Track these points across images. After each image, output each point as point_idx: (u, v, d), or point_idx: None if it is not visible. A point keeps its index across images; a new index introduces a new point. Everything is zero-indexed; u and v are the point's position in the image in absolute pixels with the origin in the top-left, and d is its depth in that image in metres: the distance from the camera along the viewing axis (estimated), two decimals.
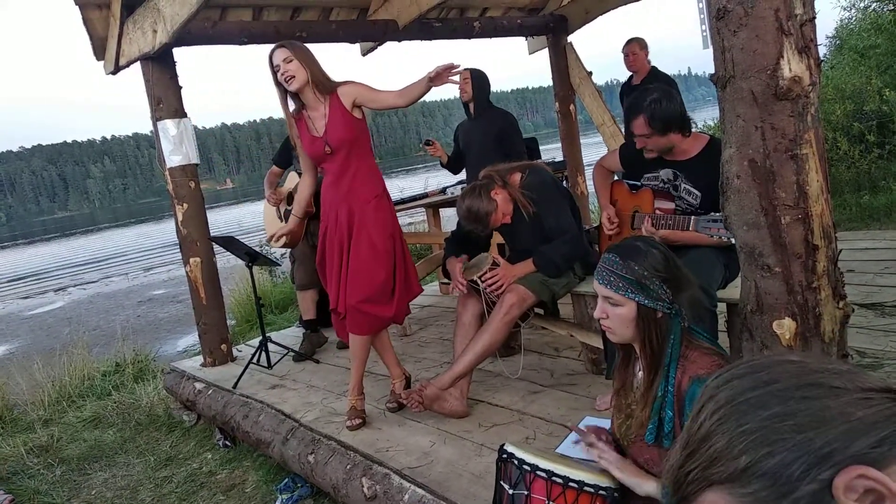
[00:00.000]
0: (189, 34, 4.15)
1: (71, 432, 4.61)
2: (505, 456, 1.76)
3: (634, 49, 5.35)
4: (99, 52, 4.64)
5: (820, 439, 0.55)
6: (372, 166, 3.12)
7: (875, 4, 10.76)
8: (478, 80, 4.48)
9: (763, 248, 1.48)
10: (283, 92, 2.99)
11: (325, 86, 2.99)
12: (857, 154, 7.37)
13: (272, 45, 2.98)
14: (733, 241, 2.42)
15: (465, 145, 4.70)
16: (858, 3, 11.17)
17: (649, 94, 2.67)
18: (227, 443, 3.95)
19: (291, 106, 3.08)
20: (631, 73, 5.48)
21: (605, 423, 2.13)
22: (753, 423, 0.58)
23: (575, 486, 1.63)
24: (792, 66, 1.39)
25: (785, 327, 1.48)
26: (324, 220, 3.13)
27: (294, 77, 2.91)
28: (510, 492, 1.71)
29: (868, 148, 7.41)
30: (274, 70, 2.94)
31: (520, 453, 1.72)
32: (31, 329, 10.33)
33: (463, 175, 5.08)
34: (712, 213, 2.50)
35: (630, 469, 1.65)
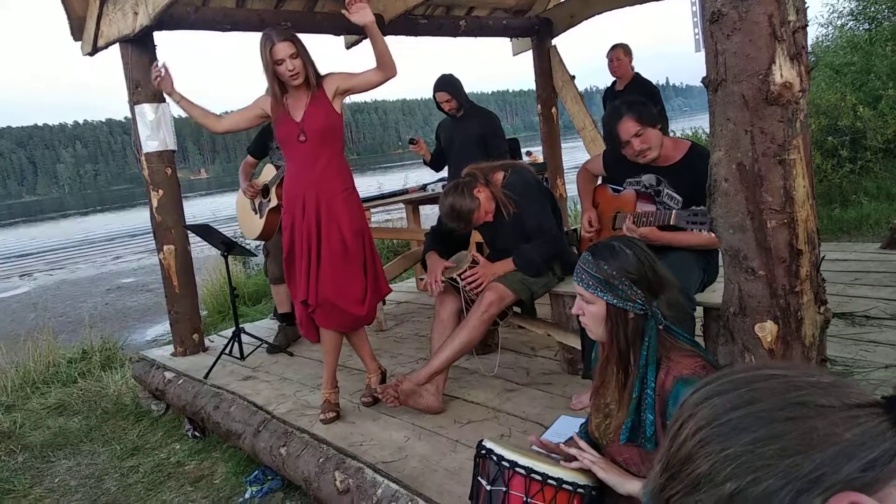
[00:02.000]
0: (171, 18, 4.08)
1: (34, 419, 4.51)
2: (483, 452, 1.75)
3: (619, 55, 5.38)
4: (77, 33, 4.54)
5: (808, 464, 0.53)
6: (343, 161, 3.07)
7: (851, 23, 10.99)
8: (455, 92, 4.48)
9: (748, 251, 1.49)
10: (273, 77, 2.90)
11: (315, 83, 2.95)
12: (830, 168, 7.53)
13: (270, 32, 2.86)
14: (713, 234, 2.47)
15: (447, 144, 4.70)
16: (835, 20, 11.39)
17: (623, 100, 2.76)
18: (196, 433, 3.89)
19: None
20: (614, 79, 5.52)
21: (580, 423, 2.14)
22: (737, 448, 0.55)
23: (553, 483, 1.63)
24: (783, 71, 1.41)
25: (767, 330, 1.49)
26: (289, 212, 3.04)
27: (299, 74, 2.87)
28: (488, 488, 1.70)
29: (840, 162, 7.57)
30: (274, 60, 2.83)
31: (499, 449, 1.71)
32: None
33: (443, 173, 5.07)
34: (693, 207, 2.53)
35: (612, 469, 1.66)
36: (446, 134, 4.70)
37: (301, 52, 2.87)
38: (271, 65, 2.85)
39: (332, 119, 2.96)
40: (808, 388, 0.57)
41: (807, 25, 1.44)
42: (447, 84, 4.49)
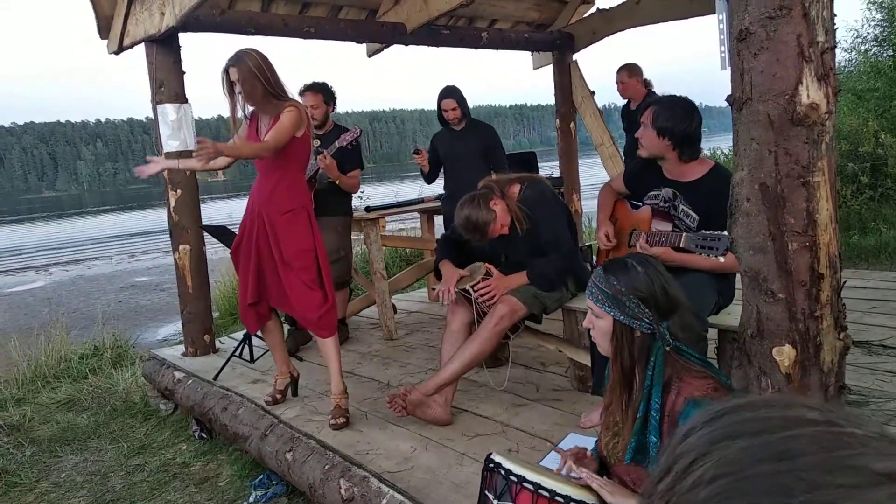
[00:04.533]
0: (196, 20, 4.12)
1: (44, 413, 4.52)
2: (492, 465, 1.73)
3: (622, 77, 5.39)
4: (104, 31, 4.60)
5: None
6: (295, 181, 3.19)
7: (875, 49, 10.91)
8: (461, 101, 4.55)
9: (768, 273, 1.47)
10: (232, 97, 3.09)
11: (266, 107, 3.07)
12: (849, 194, 7.45)
13: (231, 56, 3.03)
14: (721, 259, 2.45)
15: (446, 157, 4.73)
16: (859, 46, 11.31)
17: (676, 97, 2.73)
18: (202, 434, 3.89)
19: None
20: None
21: (589, 441, 2.11)
22: None
23: (561, 500, 1.61)
24: (810, 92, 1.39)
25: (784, 354, 1.46)
26: (245, 217, 3.25)
27: (246, 98, 3.04)
28: (495, 502, 1.68)
29: (860, 189, 7.49)
30: (230, 80, 3.02)
31: (507, 463, 1.70)
32: (10, 306, 10.17)
33: (437, 186, 5.10)
34: (703, 231, 2.51)
35: (619, 491, 1.63)
36: (445, 147, 4.73)
37: (244, 79, 2.97)
38: (225, 84, 3.03)
39: (290, 143, 3.08)
40: (859, 447, 0.46)
41: (835, 46, 1.42)
42: (454, 92, 4.57)
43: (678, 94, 2.77)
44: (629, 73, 5.37)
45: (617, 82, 5.43)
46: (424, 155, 4.73)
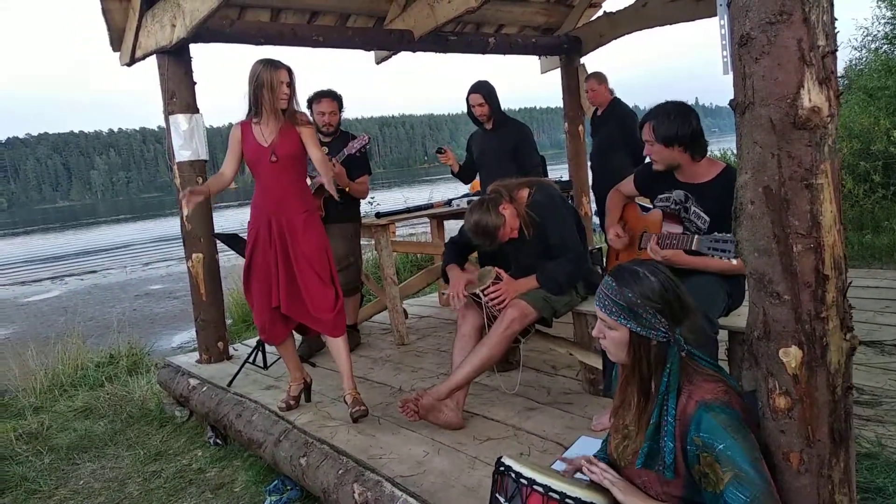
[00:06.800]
0: (207, 31, 4.18)
1: (61, 421, 4.59)
2: (502, 468, 1.75)
3: (592, 85, 5.59)
4: (115, 44, 4.66)
5: None
6: (304, 185, 3.40)
7: (885, 47, 10.84)
8: (489, 97, 4.48)
9: (773, 276, 1.48)
10: (258, 98, 3.20)
11: (292, 118, 3.25)
12: (862, 193, 7.41)
13: (274, 60, 3.20)
14: (734, 261, 2.45)
15: (478, 156, 4.69)
16: (869, 44, 11.25)
17: (665, 104, 2.72)
18: (218, 441, 3.93)
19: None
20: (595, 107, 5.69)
21: (600, 444, 2.12)
22: None
23: (571, 502, 1.63)
24: (812, 96, 1.40)
25: (791, 355, 1.47)
26: (254, 227, 3.30)
27: (286, 100, 3.22)
28: None
29: (873, 188, 7.44)
30: (278, 80, 3.16)
31: (517, 466, 1.72)
32: (27, 316, 10.30)
33: (468, 188, 5.09)
34: (716, 234, 2.51)
35: (631, 490, 1.64)
36: (478, 146, 4.70)
37: (292, 88, 3.24)
38: (268, 83, 3.14)
39: (300, 148, 3.28)
40: None
41: (836, 50, 1.44)
42: (482, 87, 4.47)
43: (665, 101, 2.77)
44: (598, 81, 5.59)
45: (587, 90, 5.66)
46: (449, 153, 4.71)
